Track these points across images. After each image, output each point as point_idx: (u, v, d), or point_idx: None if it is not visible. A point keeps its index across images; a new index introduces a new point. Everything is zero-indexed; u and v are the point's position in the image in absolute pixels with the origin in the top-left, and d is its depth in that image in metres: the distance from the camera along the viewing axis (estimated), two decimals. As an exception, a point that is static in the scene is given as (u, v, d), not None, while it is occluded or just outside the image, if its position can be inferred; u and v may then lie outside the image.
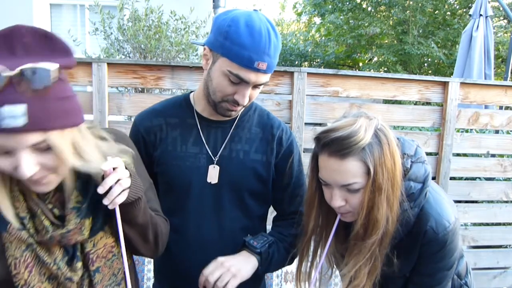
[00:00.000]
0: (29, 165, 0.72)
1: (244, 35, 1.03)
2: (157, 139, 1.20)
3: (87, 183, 0.86)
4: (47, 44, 0.75)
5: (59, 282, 0.84)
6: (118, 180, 0.81)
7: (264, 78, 1.09)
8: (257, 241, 1.20)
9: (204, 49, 1.13)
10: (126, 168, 0.85)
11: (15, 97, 0.68)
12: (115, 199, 0.81)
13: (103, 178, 0.81)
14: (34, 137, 0.71)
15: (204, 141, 1.19)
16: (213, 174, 1.18)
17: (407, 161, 1.04)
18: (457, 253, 1.07)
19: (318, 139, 1.00)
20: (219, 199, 1.20)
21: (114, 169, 0.81)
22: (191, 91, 1.28)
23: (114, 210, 0.84)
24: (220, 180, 1.19)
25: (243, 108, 1.18)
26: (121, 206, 0.85)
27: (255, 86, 1.10)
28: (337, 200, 1.01)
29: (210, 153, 1.19)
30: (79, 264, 0.85)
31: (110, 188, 0.80)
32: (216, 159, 1.19)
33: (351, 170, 0.96)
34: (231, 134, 1.21)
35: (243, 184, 1.20)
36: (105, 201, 0.80)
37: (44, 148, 0.74)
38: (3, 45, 0.72)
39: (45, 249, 0.82)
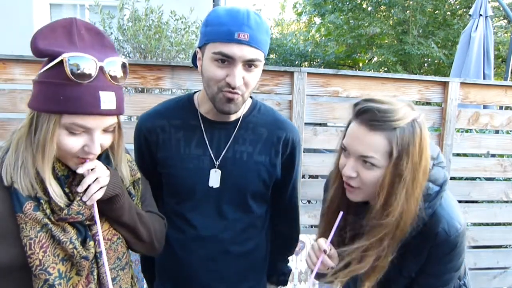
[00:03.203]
0: (98, 144, 0.84)
1: (222, 15, 1.03)
2: (160, 139, 1.20)
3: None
4: (98, 39, 0.86)
5: (73, 263, 0.86)
6: (97, 178, 0.86)
7: (250, 52, 1.03)
8: None
9: (197, 52, 1.12)
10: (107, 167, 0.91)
11: (106, 84, 0.82)
12: (93, 195, 0.85)
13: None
14: (112, 120, 0.86)
15: (207, 143, 1.18)
16: (214, 179, 1.17)
17: (430, 162, 1.03)
18: (464, 255, 1.07)
19: (356, 104, 1.00)
20: (222, 201, 1.20)
21: (92, 169, 0.86)
22: (196, 91, 1.27)
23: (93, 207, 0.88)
24: (223, 183, 1.18)
25: (243, 101, 1.12)
26: (102, 203, 0.89)
27: (247, 65, 1.05)
28: (349, 169, 1.01)
29: (212, 155, 1.18)
30: (91, 243, 0.88)
31: (89, 186, 0.85)
32: (218, 163, 1.18)
33: (374, 143, 0.95)
34: (235, 136, 1.19)
35: (246, 187, 1.20)
36: (84, 198, 0.85)
37: (110, 130, 0.88)
38: (62, 34, 0.81)
39: (60, 229, 0.85)
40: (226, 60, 1.02)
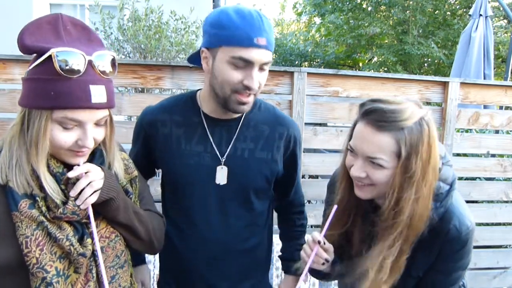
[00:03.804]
0: (91, 138, 0.85)
1: (237, 19, 1.04)
2: (159, 133, 1.21)
3: (91, 160, 0.93)
4: (84, 33, 0.86)
5: (70, 261, 0.85)
6: (90, 182, 0.85)
7: (267, 55, 1.07)
8: None
9: (202, 52, 1.12)
10: (101, 169, 0.90)
11: (96, 78, 0.83)
12: (87, 199, 0.85)
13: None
14: (103, 113, 0.86)
15: (210, 139, 1.19)
16: (221, 176, 1.18)
17: (439, 161, 1.03)
18: (471, 253, 1.08)
19: (363, 105, 0.99)
20: (224, 198, 1.20)
21: (86, 173, 0.85)
22: (198, 90, 1.28)
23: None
24: (227, 180, 1.19)
25: (254, 100, 1.16)
26: (97, 205, 0.89)
27: (261, 68, 1.09)
28: (357, 170, 1.00)
29: (216, 151, 1.19)
30: (89, 240, 0.88)
31: (83, 190, 0.85)
32: (224, 160, 1.19)
33: (381, 144, 0.94)
34: (237, 133, 1.20)
35: (249, 184, 1.21)
36: (78, 202, 0.85)
37: (101, 124, 0.88)
38: (49, 30, 0.82)
39: (56, 226, 0.84)
40: (244, 64, 1.05)
